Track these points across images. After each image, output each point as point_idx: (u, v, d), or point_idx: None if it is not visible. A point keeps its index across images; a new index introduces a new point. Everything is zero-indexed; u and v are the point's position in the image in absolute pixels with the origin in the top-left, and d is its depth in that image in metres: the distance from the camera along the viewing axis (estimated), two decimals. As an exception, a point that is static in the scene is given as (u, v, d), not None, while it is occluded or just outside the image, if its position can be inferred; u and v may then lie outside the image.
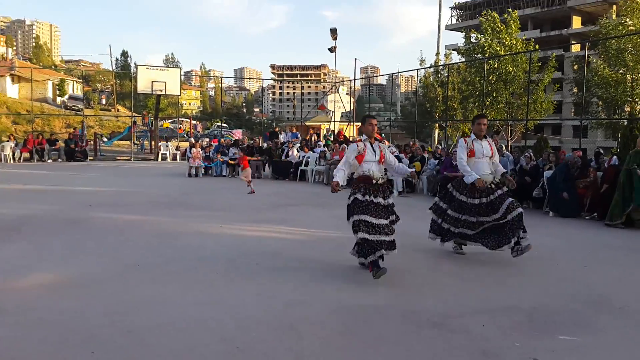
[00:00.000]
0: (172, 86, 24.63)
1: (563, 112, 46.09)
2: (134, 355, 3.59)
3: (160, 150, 25.33)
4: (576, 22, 50.74)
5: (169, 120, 41.31)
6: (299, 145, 18.71)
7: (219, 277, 5.53)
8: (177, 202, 11.29)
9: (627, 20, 24.17)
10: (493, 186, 6.29)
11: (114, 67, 66.31)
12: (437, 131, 33.40)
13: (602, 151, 12.89)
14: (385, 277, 5.41)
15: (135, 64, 47.59)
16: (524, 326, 4.28)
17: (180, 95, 29.47)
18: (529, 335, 4.08)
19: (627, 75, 23.46)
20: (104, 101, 60.22)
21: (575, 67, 27.43)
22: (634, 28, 23.48)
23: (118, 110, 52.59)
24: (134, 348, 3.69)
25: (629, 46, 23.05)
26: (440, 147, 17.43)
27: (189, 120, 41.34)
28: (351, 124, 29.21)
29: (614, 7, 25.09)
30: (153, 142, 27.41)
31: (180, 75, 27.19)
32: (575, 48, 41.67)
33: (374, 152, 5.63)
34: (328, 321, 4.31)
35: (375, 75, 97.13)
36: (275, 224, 8.79)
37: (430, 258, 6.54)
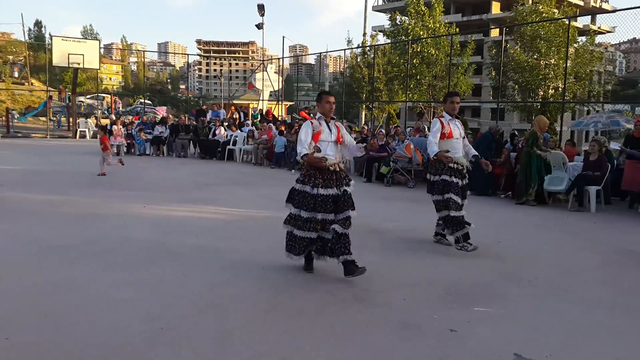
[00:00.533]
0: (91, 59, 23.45)
1: (482, 95, 48.00)
2: (51, 338, 3.47)
3: (78, 127, 24.13)
4: (495, 8, 52.70)
5: (89, 96, 39.38)
6: (227, 124, 18.43)
7: (141, 257, 5.42)
8: (97, 181, 10.88)
9: (540, 7, 25.36)
10: (465, 170, 6.12)
11: (26, 37, 62.02)
12: (364, 112, 33.89)
13: (516, 133, 13.58)
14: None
15: (50, 34, 44.79)
16: (442, 299, 4.50)
17: (99, 69, 28.10)
18: (446, 307, 4.30)
19: (541, 61, 24.70)
20: (16, 74, 56.42)
21: (494, 51, 28.55)
22: (547, 15, 24.68)
23: (32, 84, 49.46)
24: (51, 331, 3.57)
25: (542, 33, 24.22)
26: (366, 128, 17.72)
27: (109, 95, 39.58)
28: (280, 103, 29.06)
29: (531, -7, 26.27)
30: (71, 119, 26.05)
31: (100, 48, 25.88)
32: (495, 33, 43.38)
33: (330, 131, 4.96)
34: (253, 298, 4.35)
35: (303, 54, 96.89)
36: (201, 203, 8.68)
37: (355, 235, 6.68)
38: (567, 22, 19.23)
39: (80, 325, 3.67)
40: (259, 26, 30.40)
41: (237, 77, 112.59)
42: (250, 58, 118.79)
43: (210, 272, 5.00)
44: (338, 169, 4.92)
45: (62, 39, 23.85)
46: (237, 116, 21.40)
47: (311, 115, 21.37)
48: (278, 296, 4.43)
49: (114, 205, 8.18)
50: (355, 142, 5.35)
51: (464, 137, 6.21)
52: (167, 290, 4.46)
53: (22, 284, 4.47)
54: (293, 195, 4.91)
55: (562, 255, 6.21)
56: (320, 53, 33.89)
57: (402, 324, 3.91)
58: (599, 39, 33.00)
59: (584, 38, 26.23)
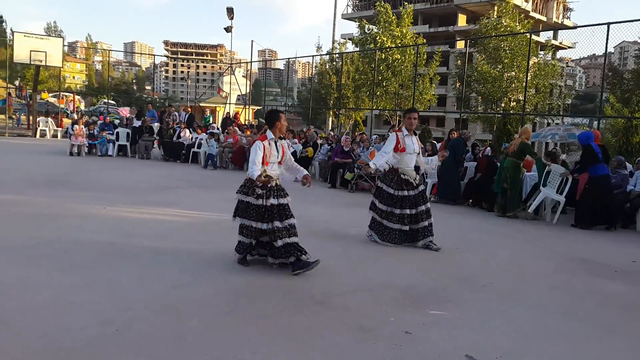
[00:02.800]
0: (54, 57, 22.96)
1: (447, 105, 48.87)
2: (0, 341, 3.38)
3: (39, 126, 23.52)
4: (462, 20, 53.79)
5: (51, 94, 38.42)
6: (192, 127, 18.19)
7: (98, 259, 5.32)
8: (56, 181, 10.62)
9: (504, 20, 26.00)
10: (416, 182, 6.65)
11: (-15, 32, 60.17)
12: (331, 118, 34.08)
13: (478, 143, 13.90)
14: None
15: (11, 30, 43.64)
16: (398, 302, 4.58)
17: (62, 67, 27.50)
18: (403, 310, 4.38)
19: (505, 74, 25.29)
20: (-27, 70, 54.59)
21: (459, 62, 29.15)
22: (510, 29, 25.33)
23: (-10, 80, 47.94)
24: (1, 334, 3.48)
25: (504, 45, 24.82)
26: (332, 134, 17.82)
27: (72, 94, 38.72)
28: (247, 107, 28.97)
29: (495, 7, 26.89)
30: (31, 117, 25.37)
31: (63, 45, 25.36)
32: (460, 44, 44.26)
33: (277, 151, 5.30)
34: (212, 302, 4.33)
35: (272, 59, 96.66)
36: (161, 206, 8.58)
37: (317, 240, 6.73)
38: (528, 37, 19.77)
39: (32, 328, 3.59)
40: (228, 29, 30.30)
41: (204, 80, 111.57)
42: (218, 61, 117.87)
43: (169, 274, 4.95)
44: (275, 185, 5.28)
45: (24, 35, 23.27)
46: (173, 118, 19.94)
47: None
48: (237, 299, 4.42)
49: (72, 206, 8.02)
50: (296, 164, 5.72)
51: (418, 153, 6.70)
52: (123, 292, 4.40)
53: (-29, 285, 4.34)
54: (239, 208, 5.38)
55: (516, 262, 6.38)
56: (289, 59, 33.95)
57: (359, 327, 3.96)
58: (560, 53, 34.01)
59: (548, 55, 26.91)
